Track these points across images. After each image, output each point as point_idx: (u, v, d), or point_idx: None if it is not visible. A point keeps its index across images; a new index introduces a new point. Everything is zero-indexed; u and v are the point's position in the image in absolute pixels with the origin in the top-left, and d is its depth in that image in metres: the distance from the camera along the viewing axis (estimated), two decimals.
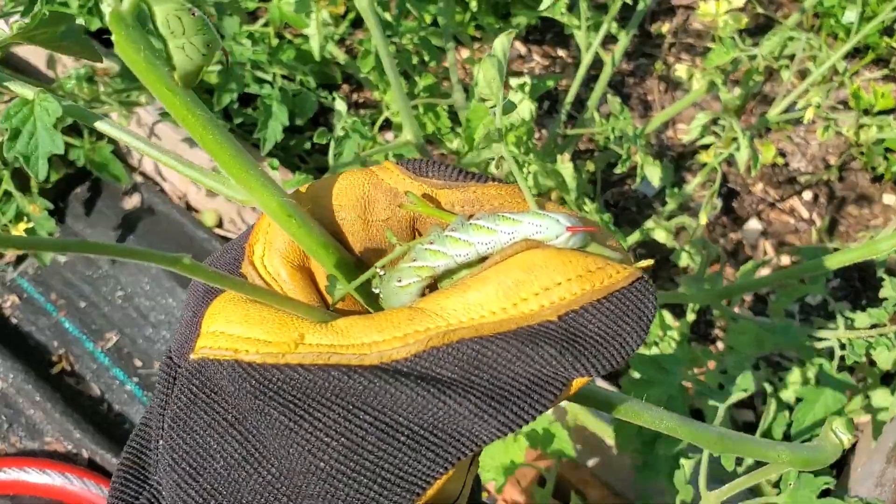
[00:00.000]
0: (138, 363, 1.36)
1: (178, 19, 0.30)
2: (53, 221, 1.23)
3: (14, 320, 1.39)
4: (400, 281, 0.36)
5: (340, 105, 0.91)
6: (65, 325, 1.38)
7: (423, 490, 0.32)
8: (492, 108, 0.37)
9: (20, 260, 1.43)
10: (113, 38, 0.28)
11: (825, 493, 1.14)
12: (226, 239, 1.46)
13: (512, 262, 0.34)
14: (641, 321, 0.33)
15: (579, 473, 1.21)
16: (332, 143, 0.90)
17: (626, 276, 0.34)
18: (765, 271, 1.52)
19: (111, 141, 1.33)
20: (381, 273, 0.37)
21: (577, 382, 0.33)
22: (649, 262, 0.36)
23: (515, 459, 1.00)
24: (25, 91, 0.33)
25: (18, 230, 1.11)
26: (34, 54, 1.48)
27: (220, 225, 1.48)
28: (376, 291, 0.38)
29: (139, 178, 1.49)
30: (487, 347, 0.32)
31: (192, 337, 0.36)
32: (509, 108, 0.38)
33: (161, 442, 0.35)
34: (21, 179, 1.22)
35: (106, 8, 0.28)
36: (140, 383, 1.33)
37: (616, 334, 0.33)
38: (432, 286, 0.38)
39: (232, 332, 0.34)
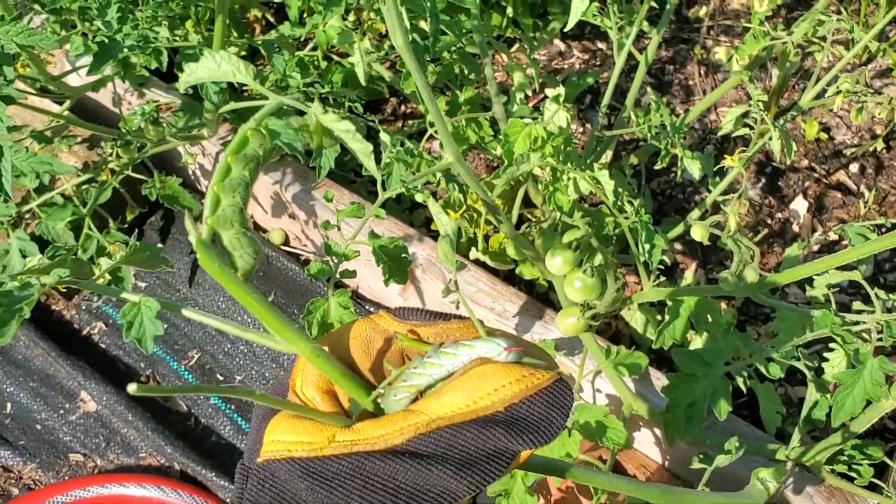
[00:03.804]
0: (220, 377, 1.46)
1: (238, 239, 0.46)
2: None
3: (102, 345, 1.50)
4: (396, 396, 0.51)
5: (385, 137, 0.98)
6: None
7: None
8: None
9: None
10: (197, 255, 0.43)
11: (880, 466, 1.17)
12: (293, 255, 1.55)
13: (471, 373, 0.49)
14: (562, 408, 0.49)
15: (638, 459, 1.26)
16: (379, 175, 0.98)
17: (549, 378, 0.49)
18: (815, 247, 1.54)
19: (179, 174, 1.42)
20: (383, 392, 0.52)
21: (525, 454, 0.48)
22: (563, 367, 0.51)
23: (571, 452, 1.07)
24: (132, 297, 0.50)
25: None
26: (102, 97, 1.58)
27: (286, 242, 1.57)
28: (381, 404, 0.52)
29: None
30: (457, 431, 0.47)
31: (258, 447, 0.51)
32: None
33: None
34: (99, 220, 1.32)
35: (192, 238, 0.43)
36: (223, 397, 1.43)
37: (545, 418, 0.48)
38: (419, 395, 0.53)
39: (285, 438, 0.49)
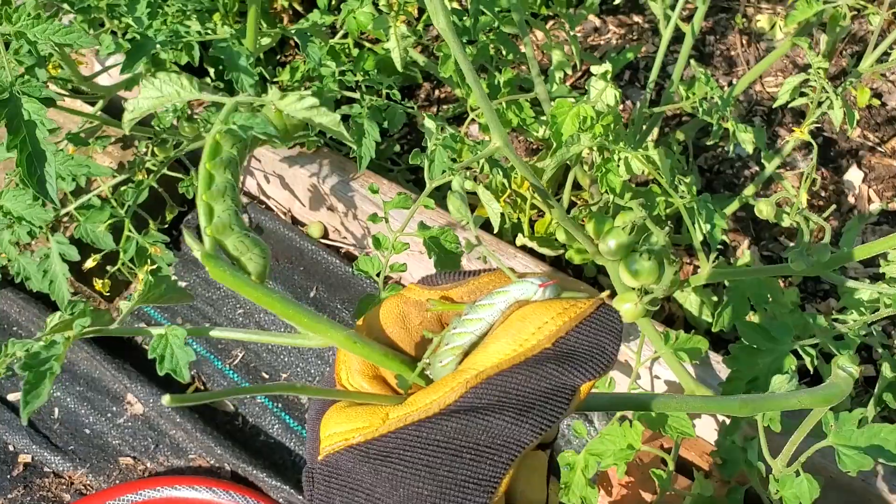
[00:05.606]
0: (265, 375, 1.43)
1: (242, 243, 0.45)
2: (172, 254, 1.31)
3: (146, 346, 1.48)
4: (442, 362, 0.49)
5: (430, 123, 0.95)
6: (193, 346, 1.46)
7: (494, 488, 0.44)
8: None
9: None
10: (207, 269, 0.42)
11: None
12: (332, 248, 1.52)
13: (511, 318, 0.47)
14: (612, 332, 0.46)
15: (700, 447, 1.22)
16: (426, 162, 0.94)
17: (592, 304, 0.47)
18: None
19: None
20: (429, 362, 0.50)
21: (585, 388, 0.45)
22: (605, 293, 0.51)
23: (633, 444, 1.03)
24: (157, 330, 0.47)
25: (144, 272, 1.19)
26: (133, 95, 1.56)
27: (325, 236, 1.54)
28: (429, 374, 0.50)
29: (245, 199, 1.56)
30: (509, 376, 0.45)
31: (316, 446, 0.49)
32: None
33: None
34: (138, 220, 1.30)
35: (196, 252, 0.42)
36: (270, 395, 1.41)
37: (596, 345, 0.46)
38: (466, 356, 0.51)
39: (340, 430, 0.48)
